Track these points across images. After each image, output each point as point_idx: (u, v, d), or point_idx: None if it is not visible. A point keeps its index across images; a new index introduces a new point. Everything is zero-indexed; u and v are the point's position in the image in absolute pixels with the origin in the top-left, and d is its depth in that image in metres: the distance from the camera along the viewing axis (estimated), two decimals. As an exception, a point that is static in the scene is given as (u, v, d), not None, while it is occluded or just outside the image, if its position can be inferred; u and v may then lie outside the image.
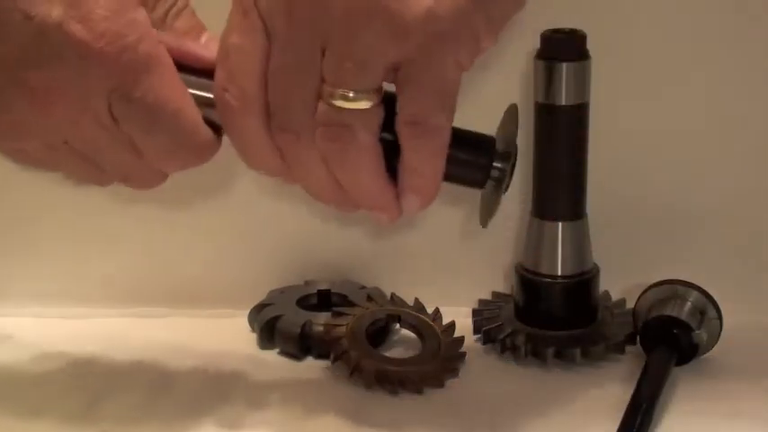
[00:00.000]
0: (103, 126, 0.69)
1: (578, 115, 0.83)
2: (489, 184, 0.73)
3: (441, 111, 0.68)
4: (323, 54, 0.66)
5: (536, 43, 0.82)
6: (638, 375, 0.79)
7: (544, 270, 0.85)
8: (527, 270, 0.86)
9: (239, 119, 0.69)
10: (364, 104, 0.67)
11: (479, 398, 0.81)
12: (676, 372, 0.81)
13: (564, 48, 0.81)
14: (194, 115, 0.70)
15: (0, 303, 0.92)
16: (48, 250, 0.93)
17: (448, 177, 0.72)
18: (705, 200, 0.89)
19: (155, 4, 0.71)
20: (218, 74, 0.69)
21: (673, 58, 0.87)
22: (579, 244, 0.85)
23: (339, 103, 0.67)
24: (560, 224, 0.84)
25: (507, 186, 0.73)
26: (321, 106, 0.67)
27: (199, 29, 0.72)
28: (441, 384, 0.82)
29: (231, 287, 0.92)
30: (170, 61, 0.69)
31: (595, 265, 0.86)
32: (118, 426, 0.78)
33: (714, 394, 0.80)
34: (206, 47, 0.71)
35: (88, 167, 0.72)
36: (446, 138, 0.69)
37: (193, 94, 0.70)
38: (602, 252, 0.86)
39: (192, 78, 0.71)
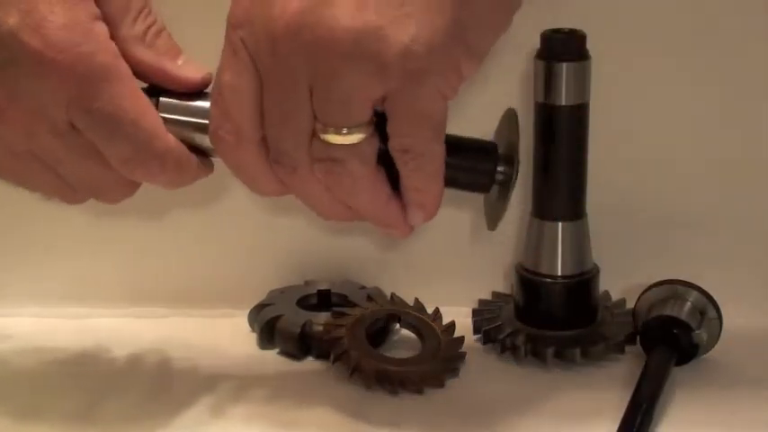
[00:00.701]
0: (61, 135, 0.69)
1: (578, 115, 0.83)
2: (494, 188, 0.73)
3: (428, 139, 0.69)
4: (311, 92, 0.67)
5: (536, 43, 0.82)
6: (638, 375, 0.79)
7: (544, 270, 0.85)
8: (527, 270, 0.86)
9: (236, 153, 0.70)
10: (356, 138, 0.68)
11: (479, 398, 0.81)
12: (676, 372, 0.81)
13: (564, 48, 0.81)
14: (153, 124, 0.70)
15: (0, 303, 0.92)
16: (47, 250, 0.93)
17: (453, 184, 0.73)
18: (705, 200, 0.89)
19: (133, 21, 0.71)
20: (213, 112, 0.70)
21: (673, 58, 0.87)
22: (579, 244, 0.85)
23: (330, 138, 0.67)
24: (560, 224, 0.84)
25: (512, 189, 0.73)
26: (315, 141, 0.68)
27: (176, 51, 0.73)
28: (441, 384, 0.82)
29: (231, 287, 0.92)
30: (128, 72, 0.70)
31: (595, 265, 0.86)
32: (117, 426, 0.78)
33: (714, 394, 0.80)
34: (182, 68, 0.72)
35: (54, 180, 0.72)
36: (439, 162, 0.70)
37: (181, 120, 0.72)
38: (602, 252, 0.86)
39: (182, 104, 0.72)
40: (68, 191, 0.73)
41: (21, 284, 0.93)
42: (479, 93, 0.88)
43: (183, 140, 0.72)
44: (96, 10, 0.69)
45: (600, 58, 0.82)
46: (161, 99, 0.72)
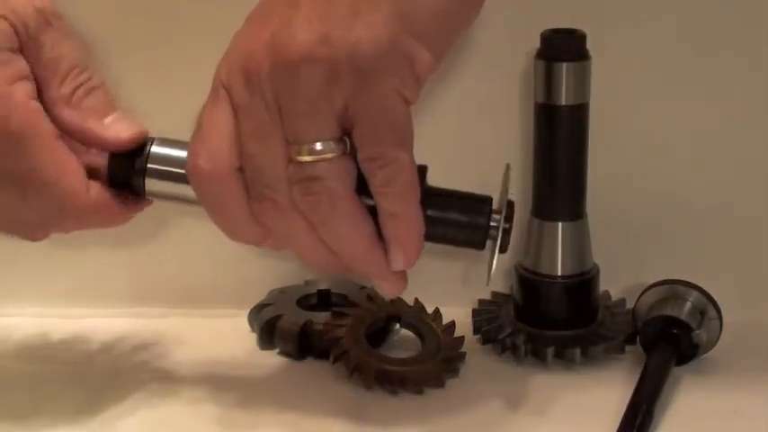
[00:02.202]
0: None
1: (578, 115, 0.83)
2: (489, 243, 0.73)
3: (392, 144, 0.69)
4: (281, 114, 0.68)
5: (536, 43, 0.82)
6: (638, 375, 0.79)
7: (544, 270, 0.85)
8: (527, 270, 0.86)
9: (212, 184, 0.70)
10: (328, 154, 0.68)
11: (479, 398, 0.81)
12: (676, 372, 0.81)
13: (564, 48, 0.81)
14: (73, 181, 0.72)
15: (0, 303, 0.92)
16: (48, 251, 0.92)
17: (447, 240, 0.73)
18: (705, 200, 0.89)
19: (61, 82, 0.73)
20: (192, 143, 0.71)
21: (673, 58, 0.87)
22: (579, 244, 0.85)
23: (304, 158, 0.68)
24: (560, 224, 0.84)
25: (506, 246, 0.73)
26: (291, 166, 0.69)
27: (105, 109, 0.75)
28: (441, 384, 0.82)
29: (231, 287, 0.92)
30: (49, 130, 0.72)
31: (595, 265, 0.86)
32: (117, 425, 0.78)
33: (714, 394, 0.80)
34: (108, 127, 0.74)
35: None
36: (410, 174, 0.70)
37: (168, 171, 0.74)
38: (602, 252, 0.86)
39: (171, 154, 0.74)
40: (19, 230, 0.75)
41: (21, 285, 0.93)
42: (480, 93, 0.88)
43: (170, 190, 0.74)
44: (19, 70, 0.72)
45: (600, 58, 0.82)
46: (152, 150, 0.74)
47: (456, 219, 0.73)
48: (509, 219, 0.73)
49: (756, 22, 0.86)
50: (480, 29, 0.87)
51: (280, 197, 0.70)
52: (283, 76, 0.67)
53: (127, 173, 0.74)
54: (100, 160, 0.74)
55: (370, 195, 0.70)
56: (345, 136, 0.69)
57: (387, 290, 0.74)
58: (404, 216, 0.71)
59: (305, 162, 0.68)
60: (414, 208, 0.71)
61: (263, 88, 0.68)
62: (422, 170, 0.72)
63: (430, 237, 0.72)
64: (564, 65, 0.81)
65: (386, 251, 0.71)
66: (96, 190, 0.73)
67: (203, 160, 0.70)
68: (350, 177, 0.69)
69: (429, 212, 0.72)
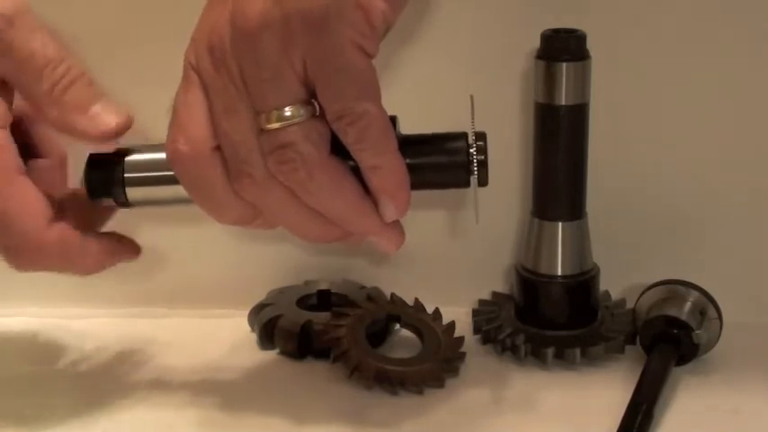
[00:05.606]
0: None
1: (578, 115, 0.83)
2: (472, 179, 0.72)
3: (357, 97, 0.68)
4: (246, 85, 0.68)
5: (536, 43, 0.82)
6: (638, 375, 0.79)
7: (544, 270, 0.85)
8: (527, 270, 0.86)
9: (194, 167, 0.70)
10: (296, 118, 0.68)
11: (479, 398, 0.81)
12: (676, 372, 0.81)
13: (564, 48, 0.81)
14: (33, 220, 0.72)
15: (0, 304, 0.92)
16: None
17: (431, 185, 0.72)
18: (705, 200, 0.89)
19: (38, 80, 0.72)
20: (169, 130, 0.71)
21: (673, 58, 0.87)
22: (579, 244, 0.85)
23: (273, 125, 0.68)
24: (560, 224, 0.84)
25: (486, 178, 0.72)
26: (262, 136, 0.68)
27: (89, 101, 0.73)
28: (441, 384, 0.82)
29: (231, 287, 0.92)
30: (13, 165, 0.71)
31: (595, 265, 0.86)
32: (117, 426, 0.78)
33: (714, 394, 0.80)
34: (92, 119, 0.73)
35: None
36: (380, 125, 0.69)
37: (147, 177, 0.74)
38: (602, 252, 0.86)
39: (147, 159, 0.74)
40: None
41: (21, 285, 0.93)
42: (479, 93, 0.87)
43: (151, 195, 0.74)
44: None
45: (600, 58, 0.82)
46: (126, 159, 0.74)
47: (435, 162, 0.72)
48: (483, 150, 0.72)
49: (758, 21, 0.86)
50: (480, 29, 0.87)
51: (256, 171, 0.69)
52: (244, 46, 0.67)
53: (105, 185, 0.74)
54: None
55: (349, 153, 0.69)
56: (313, 99, 0.68)
57: (385, 246, 0.73)
58: (386, 167, 0.70)
59: (275, 130, 0.68)
60: (394, 157, 0.70)
61: (227, 62, 0.68)
62: (391, 120, 0.71)
63: (413, 185, 0.71)
64: (564, 65, 0.81)
65: (375, 205, 0.71)
66: (59, 229, 0.73)
67: (182, 144, 0.70)
68: (322, 139, 0.69)
69: (407, 161, 0.71)
